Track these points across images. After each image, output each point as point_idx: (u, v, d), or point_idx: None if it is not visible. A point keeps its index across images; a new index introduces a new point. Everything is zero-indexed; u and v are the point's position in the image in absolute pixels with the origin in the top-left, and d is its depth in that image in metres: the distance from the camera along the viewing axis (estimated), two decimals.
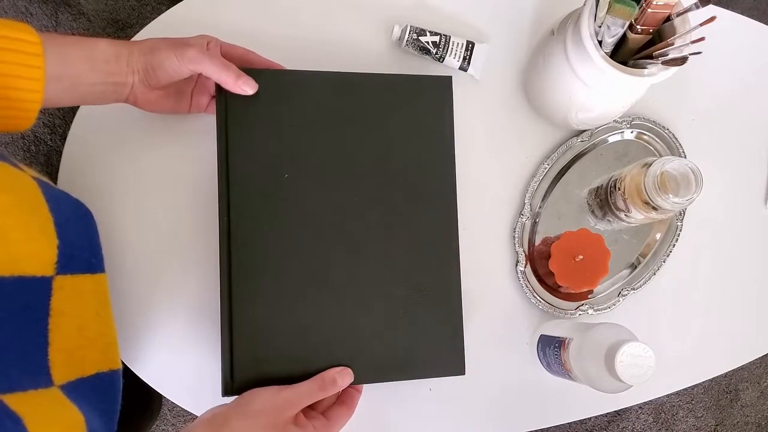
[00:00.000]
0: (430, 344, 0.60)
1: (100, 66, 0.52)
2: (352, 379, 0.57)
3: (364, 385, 0.61)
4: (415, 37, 0.65)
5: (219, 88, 0.58)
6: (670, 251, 0.68)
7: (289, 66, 0.62)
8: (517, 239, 0.66)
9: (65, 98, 0.52)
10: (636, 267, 0.68)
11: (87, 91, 0.53)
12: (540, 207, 0.67)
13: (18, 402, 0.41)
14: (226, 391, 0.57)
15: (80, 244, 0.52)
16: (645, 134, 0.69)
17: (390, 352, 0.59)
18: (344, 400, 0.58)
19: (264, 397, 0.53)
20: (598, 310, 0.67)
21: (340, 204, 0.60)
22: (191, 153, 0.64)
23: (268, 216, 0.59)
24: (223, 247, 0.58)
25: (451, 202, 0.62)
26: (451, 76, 0.63)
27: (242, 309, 0.57)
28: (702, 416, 1.44)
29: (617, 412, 1.39)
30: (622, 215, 0.64)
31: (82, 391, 0.48)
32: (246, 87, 0.57)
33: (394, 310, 0.60)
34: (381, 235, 0.60)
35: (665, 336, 0.68)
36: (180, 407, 0.98)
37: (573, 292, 0.66)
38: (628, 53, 0.57)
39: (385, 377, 0.60)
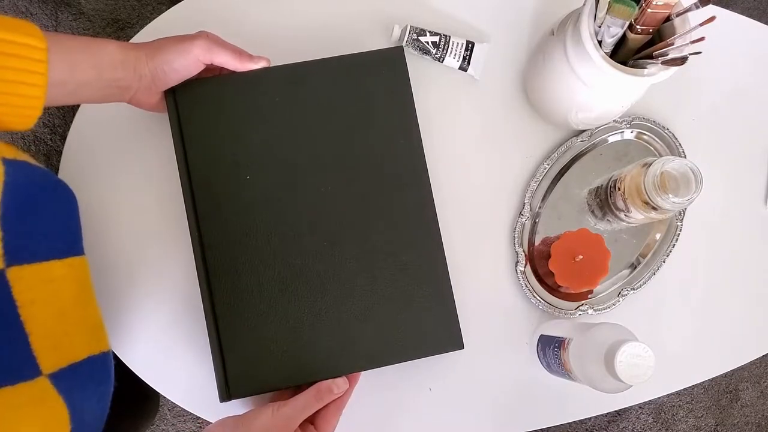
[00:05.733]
0: (424, 322, 0.59)
1: (107, 73, 0.52)
2: (347, 385, 0.58)
3: (365, 391, 0.61)
4: (415, 37, 0.65)
5: (168, 101, 0.58)
6: (670, 251, 0.68)
7: None
8: (516, 239, 0.66)
9: (67, 100, 0.52)
10: (636, 267, 0.68)
11: (90, 94, 0.53)
12: (540, 207, 0.67)
13: None
14: (223, 398, 0.57)
15: (45, 230, 0.51)
16: (645, 134, 0.68)
17: (384, 336, 0.59)
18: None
19: (265, 416, 0.54)
20: (598, 310, 0.67)
21: (310, 196, 0.59)
22: None
23: (237, 220, 0.58)
24: (198, 258, 0.58)
25: (423, 175, 0.61)
26: (402, 46, 0.63)
27: (226, 314, 0.58)
28: (702, 416, 1.44)
29: (617, 412, 1.39)
30: (622, 215, 0.64)
31: (76, 376, 0.48)
32: (261, 62, 0.59)
33: (381, 293, 0.59)
34: (356, 219, 0.59)
35: (665, 336, 0.68)
36: (180, 407, 0.98)
37: (573, 292, 0.66)
38: (628, 53, 0.57)
39: (381, 362, 0.59)
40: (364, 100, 0.60)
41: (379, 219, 0.60)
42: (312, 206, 0.59)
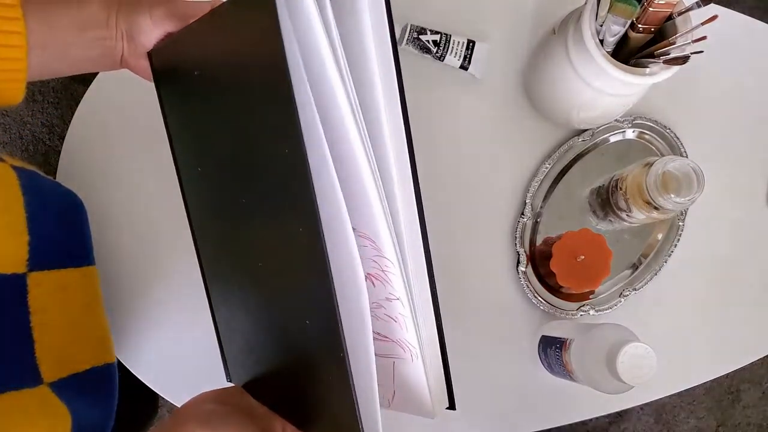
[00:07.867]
0: (327, 403, 0.42)
1: (92, 32, 0.47)
2: None
3: None
4: (416, 36, 0.65)
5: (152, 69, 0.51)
6: (672, 251, 0.67)
7: None
8: (518, 239, 0.66)
9: (56, 67, 0.48)
10: (637, 267, 0.68)
11: (78, 58, 0.48)
12: (541, 207, 0.67)
13: None
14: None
15: (62, 237, 0.50)
16: (646, 134, 0.68)
17: (297, 396, 0.46)
18: None
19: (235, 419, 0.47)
20: (600, 310, 0.66)
21: (226, 208, 0.47)
22: None
23: (208, 222, 0.50)
24: (198, 259, 0.53)
25: (303, 182, 0.36)
26: None
27: (221, 321, 0.54)
28: (703, 417, 1.44)
29: (618, 413, 1.39)
30: (624, 215, 0.64)
31: (76, 387, 0.48)
32: None
33: (287, 346, 0.45)
34: (260, 247, 0.44)
35: (667, 336, 0.68)
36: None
37: (574, 292, 0.66)
38: (630, 52, 0.56)
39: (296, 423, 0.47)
40: (236, 67, 0.41)
41: (273, 252, 0.42)
42: (231, 223, 0.47)
